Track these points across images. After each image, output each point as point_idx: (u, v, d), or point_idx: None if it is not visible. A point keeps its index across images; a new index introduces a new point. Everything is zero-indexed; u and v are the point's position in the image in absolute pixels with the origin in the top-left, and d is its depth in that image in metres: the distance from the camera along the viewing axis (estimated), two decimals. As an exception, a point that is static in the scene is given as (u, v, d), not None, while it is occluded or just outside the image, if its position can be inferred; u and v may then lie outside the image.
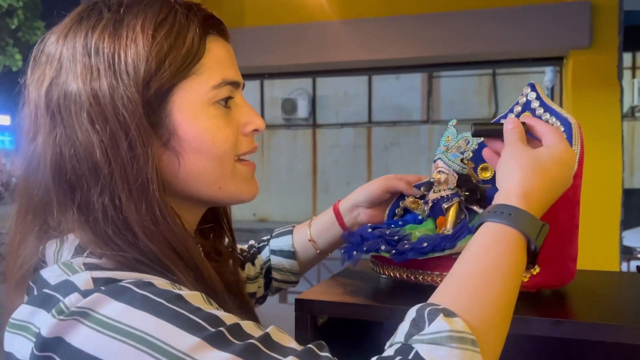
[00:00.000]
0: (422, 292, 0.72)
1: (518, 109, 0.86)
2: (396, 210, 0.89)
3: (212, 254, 0.75)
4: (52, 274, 0.54)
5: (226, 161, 0.62)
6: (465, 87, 8.68)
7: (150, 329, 0.46)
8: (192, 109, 0.59)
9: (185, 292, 0.51)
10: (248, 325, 0.50)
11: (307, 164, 9.27)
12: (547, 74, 5.76)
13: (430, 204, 0.77)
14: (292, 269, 0.95)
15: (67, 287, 0.50)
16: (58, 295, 0.50)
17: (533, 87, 0.84)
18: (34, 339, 0.49)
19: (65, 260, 0.56)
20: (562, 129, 0.76)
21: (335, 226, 0.91)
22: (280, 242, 0.95)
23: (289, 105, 9.24)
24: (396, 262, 0.72)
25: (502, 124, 0.66)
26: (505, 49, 3.19)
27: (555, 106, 0.80)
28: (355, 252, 0.76)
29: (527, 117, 0.69)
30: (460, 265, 0.53)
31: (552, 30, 3.02)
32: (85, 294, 0.49)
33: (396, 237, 0.73)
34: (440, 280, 0.68)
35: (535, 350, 0.87)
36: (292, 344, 0.50)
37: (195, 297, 0.51)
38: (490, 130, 0.68)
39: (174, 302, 0.49)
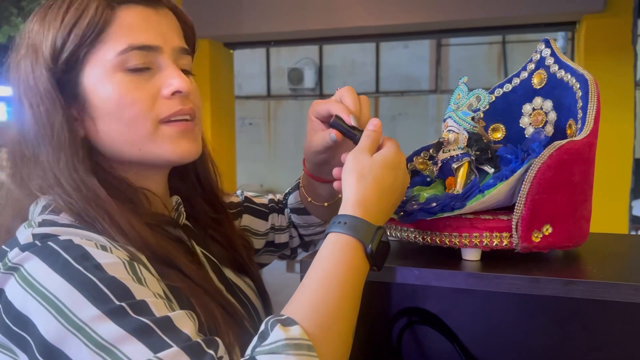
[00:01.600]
0: (430, 253, 0.70)
1: (531, 66, 0.83)
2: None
3: (209, 221, 0.82)
4: (19, 230, 0.62)
5: (140, 124, 0.66)
6: (475, 55, 8.54)
7: (61, 294, 0.53)
8: (99, 75, 0.65)
9: (105, 261, 0.56)
10: (156, 304, 0.55)
11: (314, 134, 9.18)
12: (558, 41, 5.65)
13: (439, 165, 0.74)
14: (313, 222, 0.95)
15: (13, 243, 0.59)
16: (7, 249, 0.59)
17: (547, 43, 0.81)
18: None
19: (33, 217, 0.64)
20: (578, 86, 0.73)
21: (317, 184, 0.89)
22: (292, 200, 0.96)
23: (295, 75, 9.15)
24: (404, 223, 0.71)
25: (360, 131, 0.70)
26: (516, 14, 3.11)
27: (570, 62, 0.77)
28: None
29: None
30: (306, 276, 0.58)
31: (565, -6, 2.94)
32: (23, 248, 0.57)
33: (404, 198, 0.71)
34: (449, 242, 0.66)
35: (545, 311, 0.86)
36: (191, 332, 0.54)
37: (113, 266, 0.56)
38: (344, 129, 0.72)
39: (91, 270, 0.54)
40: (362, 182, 0.63)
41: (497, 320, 0.92)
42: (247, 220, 0.95)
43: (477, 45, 8.54)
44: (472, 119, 0.73)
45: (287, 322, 0.53)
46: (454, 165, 0.72)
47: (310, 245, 1.00)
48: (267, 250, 0.97)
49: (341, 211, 0.62)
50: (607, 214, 2.87)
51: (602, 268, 0.66)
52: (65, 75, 0.64)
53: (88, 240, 0.59)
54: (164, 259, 0.65)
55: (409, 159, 0.88)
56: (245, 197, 0.97)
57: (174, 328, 0.53)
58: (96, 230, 0.62)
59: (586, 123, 0.69)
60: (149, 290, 0.57)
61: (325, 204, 0.90)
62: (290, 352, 0.50)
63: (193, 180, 0.82)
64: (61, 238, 0.58)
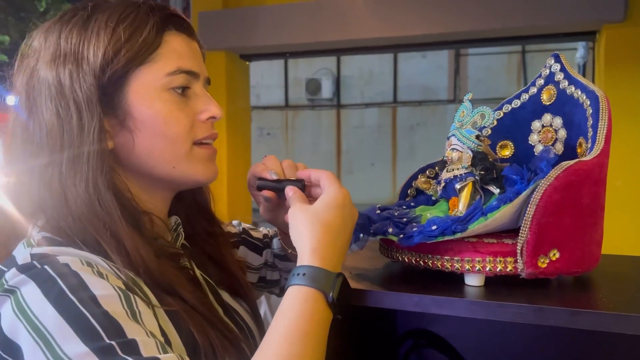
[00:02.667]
0: (431, 277, 0.68)
1: (541, 82, 0.80)
2: (408, 191, 0.85)
3: (206, 238, 0.82)
4: (17, 248, 0.62)
5: (180, 143, 0.68)
6: (494, 65, 8.46)
7: (52, 327, 0.52)
8: (146, 92, 0.66)
9: (101, 293, 0.55)
10: (147, 345, 0.53)
11: (331, 144, 9.19)
12: (578, 51, 5.56)
13: (442, 184, 0.72)
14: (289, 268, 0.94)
15: (11, 262, 0.59)
16: (4, 269, 0.58)
17: (557, 58, 0.78)
18: None
19: (31, 235, 0.64)
20: (589, 103, 0.70)
21: (284, 236, 0.88)
22: (276, 244, 0.96)
23: (313, 86, 9.17)
24: (404, 247, 0.68)
25: (283, 183, 0.71)
26: (535, 24, 3.06)
27: (581, 78, 0.74)
28: (362, 235, 0.72)
29: (302, 171, 0.74)
30: (269, 329, 0.57)
31: (584, 3, 2.89)
32: (21, 269, 0.57)
33: (404, 220, 0.69)
34: (451, 266, 0.64)
35: (554, 334, 0.82)
36: None
37: (108, 300, 0.55)
38: (270, 186, 0.72)
39: (85, 303, 0.54)
40: (312, 231, 0.62)
41: (505, 344, 0.88)
42: (242, 252, 0.94)
43: (497, 55, 8.47)
44: (477, 137, 0.70)
45: None
46: (457, 186, 0.69)
47: None
48: (258, 285, 0.97)
49: (299, 262, 0.61)
50: (626, 232, 2.79)
51: (614, 296, 0.62)
52: (109, 87, 0.65)
53: (86, 266, 0.58)
54: (165, 286, 0.64)
55: (414, 177, 0.85)
56: (243, 229, 0.97)
57: None
58: (95, 250, 0.61)
59: (596, 142, 0.66)
60: (142, 327, 0.56)
61: None
62: None
63: (190, 199, 0.81)
64: (59, 261, 0.57)
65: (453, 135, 0.72)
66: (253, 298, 0.85)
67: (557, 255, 0.62)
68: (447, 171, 0.71)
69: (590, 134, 0.68)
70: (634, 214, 2.87)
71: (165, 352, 0.55)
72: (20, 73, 0.68)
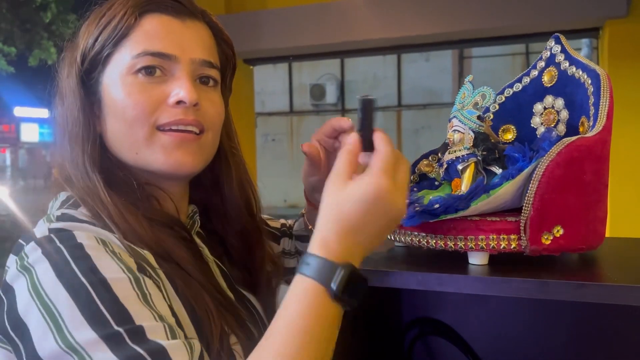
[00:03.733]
0: (435, 257, 0.67)
1: (541, 64, 0.79)
2: (411, 177, 0.85)
3: (224, 233, 0.82)
4: (38, 224, 0.64)
5: (138, 127, 0.67)
6: (498, 67, 8.46)
7: (64, 311, 0.53)
8: (115, 76, 0.67)
9: (112, 276, 0.56)
10: (155, 330, 0.54)
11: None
12: (582, 50, 5.57)
13: (445, 166, 0.72)
14: None
15: (29, 237, 0.60)
16: (24, 243, 0.60)
17: (557, 40, 0.78)
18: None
19: (52, 211, 0.67)
20: (590, 81, 0.70)
21: (311, 210, 0.88)
22: (297, 226, 0.96)
23: (317, 91, 9.19)
24: (407, 227, 0.68)
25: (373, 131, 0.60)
26: (537, 21, 3.06)
27: (582, 58, 0.74)
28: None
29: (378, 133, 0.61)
30: (273, 321, 0.55)
31: (587, 0, 2.88)
32: (39, 242, 0.58)
33: (407, 201, 0.68)
34: (454, 245, 0.63)
35: (563, 322, 0.81)
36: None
37: (119, 283, 0.56)
38: (364, 121, 0.61)
39: (96, 287, 0.55)
40: (327, 216, 0.57)
41: (513, 332, 0.87)
42: None
43: (500, 57, 8.46)
44: (478, 117, 0.70)
45: None
46: (460, 167, 0.69)
47: None
48: None
49: (308, 248, 0.57)
50: (635, 221, 2.77)
51: (619, 271, 0.62)
52: (89, 74, 0.69)
53: (100, 244, 0.59)
54: (160, 252, 0.64)
55: (416, 163, 0.85)
56: (260, 218, 0.96)
57: (167, 359, 0.52)
58: (104, 225, 0.64)
59: (598, 119, 0.65)
60: (151, 311, 0.56)
61: None
62: None
63: (216, 196, 0.81)
64: (75, 238, 0.59)
65: (454, 116, 0.72)
66: (272, 298, 0.84)
67: (561, 231, 0.61)
68: (449, 153, 0.71)
69: (592, 112, 0.68)
70: (634, 206, 2.85)
71: (173, 336, 0.55)
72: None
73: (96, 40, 0.68)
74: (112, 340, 0.52)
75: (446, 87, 8.88)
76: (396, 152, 0.59)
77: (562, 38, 0.77)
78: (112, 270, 0.57)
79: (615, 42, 2.92)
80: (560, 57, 0.76)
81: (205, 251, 0.76)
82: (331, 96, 9.16)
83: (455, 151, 0.71)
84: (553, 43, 0.78)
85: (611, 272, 0.61)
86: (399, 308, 0.94)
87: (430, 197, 0.68)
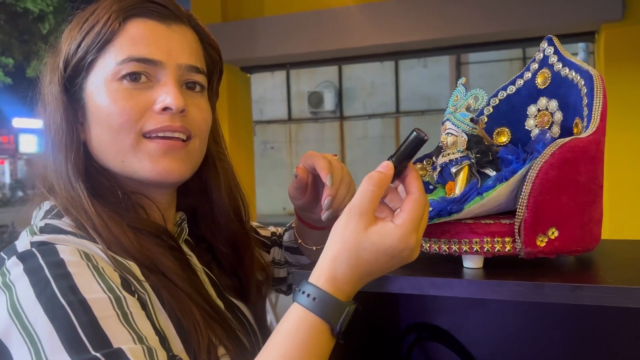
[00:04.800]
0: (430, 262, 0.67)
1: (535, 66, 0.79)
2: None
3: (213, 240, 0.80)
4: (20, 236, 0.64)
5: (124, 135, 0.65)
6: (495, 72, 8.48)
7: (42, 335, 0.53)
8: (98, 83, 0.66)
9: (92, 297, 0.55)
10: (134, 353, 0.52)
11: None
12: (579, 55, 5.58)
13: (438, 169, 0.71)
14: (304, 262, 0.92)
15: (12, 250, 0.59)
16: (5, 257, 0.59)
17: (550, 41, 0.77)
18: None
19: (35, 222, 0.66)
20: (583, 82, 0.69)
21: (305, 228, 0.86)
22: (287, 237, 0.95)
23: (315, 99, 9.20)
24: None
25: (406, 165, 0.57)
26: (534, 26, 3.07)
27: (575, 59, 0.73)
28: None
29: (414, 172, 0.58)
30: (267, 346, 0.54)
31: (582, 4, 2.89)
32: (20, 257, 0.58)
33: None
34: (448, 249, 0.63)
35: (561, 326, 0.81)
36: None
37: (99, 304, 0.55)
38: (405, 154, 0.57)
39: (75, 309, 0.54)
40: (342, 255, 0.54)
41: (510, 336, 0.87)
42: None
43: (497, 62, 8.48)
44: (471, 120, 0.69)
45: None
46: (453, 169, 0.68)
47: None
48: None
49: (311, 277, 0.55)
50: (634, 222, 2.77)
51: (615, 273, 0.61)
52: (73, 80, 0.67)
53: (84, 259, 0.58)
54: (145, 262, 0.63)
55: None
56: (250, 226, 0.95)
57: None
58: (88, 236, 0.63)
59: (592, 120, 0.65)
60: (131, 332, 0.55)
61: (314, 248, 0.87)
62: None
63: (205, 202, 0.80)
64: (58, 255, 0.57)
65: (447, 119, 0.71)
66: (261, 304, 0.83)
67: (556, 233, 0.60)
68: (442, 156, 0.71)
69: (585, 113, 0.67)
70: (632, 208, 2.85)
71: (152, 359, 0.54)
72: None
73: (79, 45, 0.67)
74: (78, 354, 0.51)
75: (444, 93, 8.90)
76: (425, 198, 0.56)
77: (555, 40, 0.77)
78: (93, 290, 0.56)
79: (611, 46, 2.93)
80: (553, 59, 0.76)
81: (194, 259, 0.75)
82: (329, 103, 9.18)
83: (448, 154, 0.70)
84: (546, 45, 0.77)
85: (607, 273, 0.61)
86: (396, 314, 0.93)
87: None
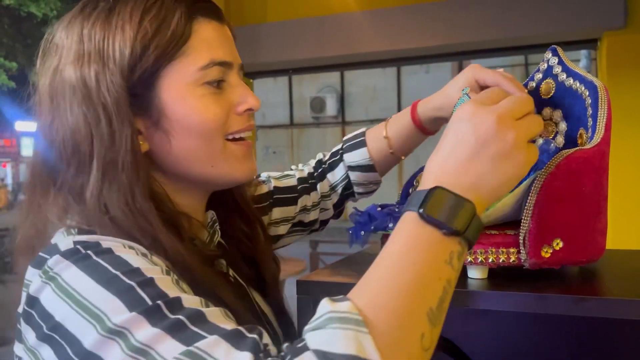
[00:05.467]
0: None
1: (539, 76, 0.79)
2: (410, 190, 0.84)
3: (242, 238, 0.78)
4: (56, 237, 0.59)
5: (215, 140, 0.64)
6: (497, 78, 8.48)
7: (97, 301, 0.50)
8: (179, 89, 0.62)
9: (144, 266, 0.53)
10: (191, 301, 0.51)
11: (337, 161, 9.20)
12: (581, 61, 5.58)
13: (443, 179, 0.71)
14: (374, 179, 0.94)
15: (53, 250, 0.56)
16: (47, 257, 0.55)
17: (555, 52, 0.78)
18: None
19: (69, 226, 0.60)
20: (587, 93, 0.70)
21: (412, 130, 0.86)
22: (356, 157, 0.93)
23: (317, 104, 9.21)
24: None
25: None
26: (536, 33, 3.07)
27: (579, 70, 0.73)
28: (363, 232, 0.71)
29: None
30: (376, 260, 0.49)
31: (585, 11, 2.89)
32: (64, 255, 0.54)
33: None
34: (453, 258, 0.63)
35: (564, 334, 0.81)
36: (229, 326, 0.48)
37: (151, 269, 0.53)
38: None
39: (128, 275, 0.51)
40: (452, 140, 0.51)
41: (514, 346, 0.86)
42: (277, 213, 0.91)
43: (500, 68, 8.48)
44: (476, 130, 0.69)
45: (338, 299, 0.46)
46: (458, 179, 0.68)
47: (341, 213, 0.98)
48: (293, 230, 0.94)
49: (424, 180, 0.51)
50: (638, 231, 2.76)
51: (619, 284, 0.61)
52: (138, 87, 0.61)
53: (129, 249, 0.56)
54: (207, 291, 0.60)
55: (416, 175, 0.85)
56: (275, 187, 0.93)
57: (208, 322, 0.49)
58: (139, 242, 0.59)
59: (597, 131, 0.65)
60: (184, 291, 0.53)
61: (403, 158, 0.90)
62: (334, 326, 0.42)
63: (227, 197, 0.78)
64: (102, 245, 0.55)
65: (452, 129, 0.71)
66: (282, 300, 0.81)
67: (561, 244, 0.61)
68: (447, 165, 0.71)
69: (590, 123, 0.68)
70: (635, 218, 2.84)
71: (207, 306, 0.52)
72: (42, 73, 0.63)
73: (148, 47, 0.60)
74: (150, 313, 0.49)
75: (446, 99, 8.91)
76: (502, 91, 0.55)
77: (559, 50, 0.77)
78: (143, 262, 0.54)
79: (613, 53, 2.93)
80: (557, 69, 0.76)
81: (229, 270, 0.73)
82: (331, 109, 9.19)
83: (453, 164, 0.70)
84: (550, 55, 0.78)
85: (611, 285, 0.61)
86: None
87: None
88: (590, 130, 0.67)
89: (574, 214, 0.61)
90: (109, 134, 0.58)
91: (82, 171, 0.59)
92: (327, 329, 0.42)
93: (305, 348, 0.42)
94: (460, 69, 9.06)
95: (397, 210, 0.72)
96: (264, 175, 0.95)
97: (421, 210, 0.47)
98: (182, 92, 0.62)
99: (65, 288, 0.51)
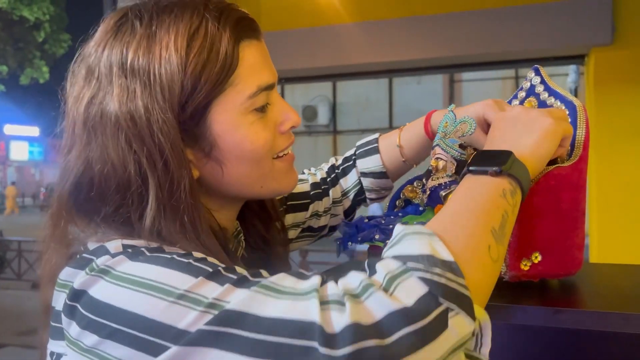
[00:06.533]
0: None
1: (522, 94, 0.82)
2: (397, 202, 0.86)
3: (259, 242, 0.79)
4: (94, 243, 0.59)
5: (265, 162, 0.65)
6: (488, 91, 8.57)
7: (156, 276, 0.50)
8: (230, 119, 0.61)
9: (198, 256, 0.54)
10: (243, 271, 0.52)
11: (328, 170, 9.23)
12: (570, 75, 5.65)
13: (428, 192, 0.73)
14: (386, 185, 0.95)
15: (101, 251, 0.55)
16: (93, 257, 0.55)
17: (537, 71, 0.80)
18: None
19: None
20: (567, 112, 0.72)
21: (424, 140, 0.87)
22: (368, 163, 0.94)
23: (309, 112, 9.25)
24: (391, 252, 0.69)
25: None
26: (525, 48, 3.12)
27: (560, 89, 0.76)
28: (350, 243, 0.73)
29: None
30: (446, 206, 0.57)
31: (572, 27, 2.95)
32: (114, 255, 0.54)
33: (391, 226, 0.70)
34: (436, 270, 0.65)
35: (536, 343, 0.83)
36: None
37: (202, 256, 0.54)
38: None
39: (183, 256, 0.53)
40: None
41: (495, 356, 0.88)
42: (289, 219, 0.92)
43: (491, 81, 8.57)
44: (460, 146, 0.72)
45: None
46: (442, 193, 0.71)
47: (352, 219, 0.99)
48: (301, 235, 0.95)
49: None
50: (626, 247, 2.80)
51: (597, 298, 0.63)
52: (189, 122, 0.59)
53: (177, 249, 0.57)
54: None
55: (402, 188, 0.87)
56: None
57: (268, 276, 0.51)
58: None
59: (575, 149, 0.68)
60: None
61: (415, 166, 0.92)
62: (409, 237, 0.49)
63: (253, 203, 0.79)
64: (152, 246, 0.56)
65: (437, 145, 0.74)
66: None
67: (539, 258, 0.63)
68: (432, 180, 0.73)
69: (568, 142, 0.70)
70: (621, 232, 2.88)
71: (260, 276, 0.52)
72: (75, 98, 0.61)
73: (198, 80, 0.57)
74: (214, 276, 0.49)
75: (437, 110, 8.98)
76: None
77: (542, 69, 0.80)
78: (197, 253, 0.55)
79: (601, 69, 2.99)
80: (539, 88, 0.79)
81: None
82: (323, 117, 9.22)
83: (438, 178, 0.73)
84: (533, 74, 0.80)
85: (589, 298, 0.63)
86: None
87: (414, 223, 0.70)
88: (569, 148, 0.70)
89: (552, 228, 0.63)
90: (165, 172, 0.57)
91: (129, 204, 0.57)
92: (402, 241, 0.49)
93: (384, 258, 0.48)
94: (451, 80, 9.14)
95: (383, 222, 0.74)
96: None
97: (471, 168, 0.58)
98: (233, 122, 0.61)
99: (121, 276, 0.51)
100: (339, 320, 0.43)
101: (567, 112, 0.72)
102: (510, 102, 0.83)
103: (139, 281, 0.50)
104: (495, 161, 0.57)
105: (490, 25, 3.14)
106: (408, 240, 0.49)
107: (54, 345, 0.58)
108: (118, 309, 0.50)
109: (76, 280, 0.53)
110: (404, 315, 0.43)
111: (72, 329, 0.53)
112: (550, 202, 0.63)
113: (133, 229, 0.58)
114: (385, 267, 0.47)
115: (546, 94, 0.77)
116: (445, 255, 0.47)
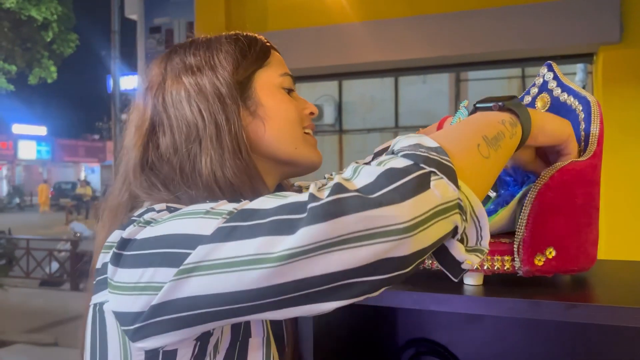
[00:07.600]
0: (430, 278, 0.69)
1: (534, 90, 0.82)
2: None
3: None
4: (143, 210, 0.66)
5: (297, 127, 0.78)
6: (494, 90, 8.53)
7: (189, 211, 0.58)
8: (269, 88, 0.78)
9: None
10: None
11: (334, 169, 9.20)
12: (577, 74, 5.61)
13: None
14: None
15: (148, 211, 0.64)
16: (136, 218, 0.63)
17: (550, 67, 0.80)
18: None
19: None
20: (581, 108, 0.72)
21: None
22: None
23: (315, 112, 9.23)
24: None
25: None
26: (533, 47, 3.11)
27: (573, 85, 0.76)
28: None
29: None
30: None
31: (580, 26, 2.94)
32: (159, 212, 0.63)
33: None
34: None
35: (557, 341, 0.83)
36: None
37: None
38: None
39: (218, 205, 0.58)
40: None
41: (507, 352, 0.88)
42: None
43: (497, 80, 8.53)
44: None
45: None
46: (455, 189, 0.70)
47: None
48: None
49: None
50: (633, 243, 2.79)
51: (610, 293, 0.63)
52: (241, 84, 0.76)
53: None
54: None
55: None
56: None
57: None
58: None
59: (589, 145, 0.68)
60: None
61: None
62: (401, 139, 0.55)
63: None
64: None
65: (450, 140, 0.74)
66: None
67: (554, 253, 0.63)
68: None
69: (583, 137, 0.70)
70: (629, 229, 2.87)
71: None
72: (148, 105, 0.75)
73: (245, 56, 0.76)
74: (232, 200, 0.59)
75: (443, 109, 8.94)
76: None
77: (554, 65, 0.80)
78: None
79: (609, 68, 2.97)
80: (552, 84, 0.79)
81: None
82: (329, 117, 9.21)
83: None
84: (546, 70, 0.80)
85: (601, 293, 0.63)
86: (394, 329, 0.95)
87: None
88: (583, 143, 0.70)
89: (566, 224, 0.63)
90: (227, 121, 0.72)
91: (192, 151, 0.71)
92: (404, 139, 0.55)
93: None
94: (457, 79, 9.07)
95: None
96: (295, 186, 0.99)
97: (476, 105, 0.64)
98: (271, 89, 0.78)
99: (166, 223, 0.58)
100: (329, 190, 0.50)
101: (581, 108, 0.72)
102: (522, 99, 0.83)
103: (188, 213, 0.58)
104: (501, 99, 0.63)
105: (496, 24, 3.13)
106: (400, 141, 0.55)
107: (96, 298, 0.64)
108: (159, 236, 0.57)
109: (125, 231, 0.61)
110: (387, 176, 0.49)
111: (117, 274, 0.58)
112: (565, 197, 0.63)
113: (185, 194, 0.69)
114: (377, 160, 0.54)
115: (559, 90, 0.77)
116: (432, 143, 0.53)
